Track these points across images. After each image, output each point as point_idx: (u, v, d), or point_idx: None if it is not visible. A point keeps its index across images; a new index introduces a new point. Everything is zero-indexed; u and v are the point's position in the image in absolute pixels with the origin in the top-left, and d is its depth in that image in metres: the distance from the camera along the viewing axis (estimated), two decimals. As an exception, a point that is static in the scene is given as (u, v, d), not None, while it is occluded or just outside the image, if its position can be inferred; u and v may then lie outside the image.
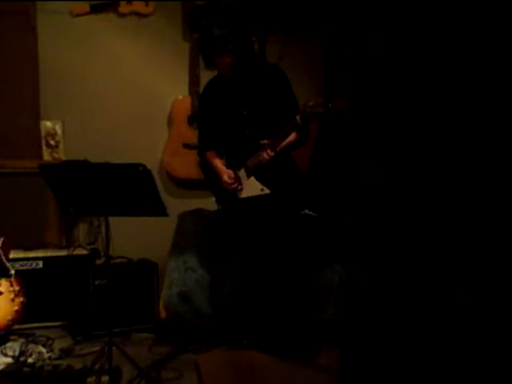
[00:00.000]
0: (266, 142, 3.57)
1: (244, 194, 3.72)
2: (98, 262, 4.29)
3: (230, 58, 3.59)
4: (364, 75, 4.49)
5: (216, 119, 3.81)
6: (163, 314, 4.19)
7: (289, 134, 3.54)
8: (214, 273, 4.14)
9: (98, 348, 3.56)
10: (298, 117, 3.44)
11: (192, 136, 4.45)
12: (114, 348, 3.40)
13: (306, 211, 3.96)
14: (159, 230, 4.36)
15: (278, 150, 3.56)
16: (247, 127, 3.67)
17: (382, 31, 4.37)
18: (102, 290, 4.01)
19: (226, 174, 3.76)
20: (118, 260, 4.27)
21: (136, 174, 3.23)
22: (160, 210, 3.34)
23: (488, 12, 3.88)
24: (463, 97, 4.02)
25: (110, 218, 3.55)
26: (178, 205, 4.42)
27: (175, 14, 4.62)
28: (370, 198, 4.25)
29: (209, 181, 3.89)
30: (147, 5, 4.54)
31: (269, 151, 3.56)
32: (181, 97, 4.53)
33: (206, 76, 4.44)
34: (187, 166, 4.48)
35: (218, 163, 3.83)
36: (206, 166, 3.90)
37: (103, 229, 3.70)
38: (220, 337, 3.87)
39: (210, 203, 4.40)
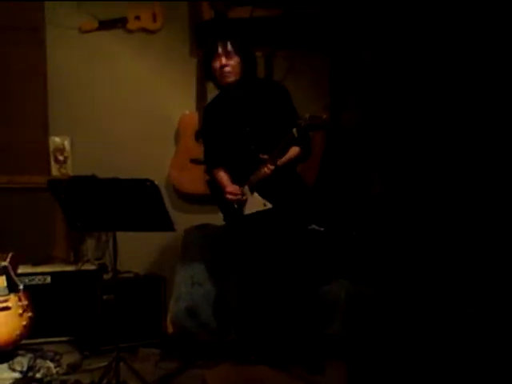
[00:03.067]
0: (265, 156, 3.59)
1: (248, 210, 3.72)
2: (106, 276, 4.30)
3: (223, 60, 3.59)
4: (371, 89, 4.50)
5: (220, 136, 3.82)
6: (170, 329, 4.19)
7: (287, 147, 3.53)
8: (220, 287, 4.14)
9: (105, 363, 3.55)
10: (294, 130, 3.45)
11: (199, 151, 4.45)
12: (121, 363, 3.41)
13: (313, 226, 3.96)
14: (166, 245, 4.38)
15: (278, 164, 3.57)
16: (251, 144, 3.67)
17: (389, 46, 4.38)
18: (109, 305, 4.01)
19: (230, 187, 3.77)
20: (126, 275, 4.28)
21: (143, 189, 3.24)
22: (167, 225, 3.35)
23: (495, 23, 3.89)
24: (470, 112, 4.02)
25: (118, 233, 3.56)
26: (184, 219, 4.42)
27: (183, 30, 4.65)
28: (375, 212, 4.25)
29: (216, 199, 3.89)
30: (155, 21, 4.58)
31: (269, 165, 3.57)
32: (188, 112, 4.55)
33: (213, 91, 4.46)
34: (194, 181, 4.49)
35: (224, 178, 3.85)
36: (213, 184, 3.91)
37: (111, 244, 3.71)
38: (227, 352, 3.87)
39: (216, 218, 4.40)
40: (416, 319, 3.77)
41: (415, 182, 4.25)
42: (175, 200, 4.60)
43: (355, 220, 4.21)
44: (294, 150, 3.65)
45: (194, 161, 4.50)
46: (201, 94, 4.50)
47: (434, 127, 4.20)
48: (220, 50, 3.60)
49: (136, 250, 4.36)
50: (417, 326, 3.74)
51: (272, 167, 3.57)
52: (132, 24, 4.58)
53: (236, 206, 3.75)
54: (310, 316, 3.75)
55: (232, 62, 3.61)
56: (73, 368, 3.75)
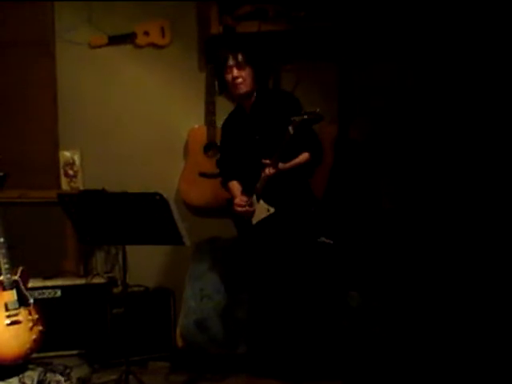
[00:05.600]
0: (267, 161, 3.60)
1: (255, 219, 3.74)
2: (116, 290, 4.31)
3: (234, 71, 3.65)
4: (379, 102, 4.51)
5: (234, 148, 3.87)
6: (180, 343, 4.19)
7: (287, 148, 3.54)
8: (230, 301, 4.14)
9: (115, 376, 3.57)
10: (289, 127, 3.48)
11: (208, 165, 4.48)
12: (130, 376, 3.42)
13: (323, 239, 3.96)
14: (176, 258, 4.39)
15: (280, 167, 3.58)
16: (260, 152, 3.69)
17: (397, 58, 4.39)
18: (119, 319, 4.02)
19: (239, 198, 3.79)
20: (135, 288, 4.28)
21: (153, 203, 3.26)
22: (177, 239, 3.36)
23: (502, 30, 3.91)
24: (482, 126, 4.02)
25: (127, 247, 3.58)
26: (194, 233, 4.43)
27: (191, 45, 4.67)
28: (385, 225, 4.24)
29: (230, 212, 3.92)
30: (164, 36, 4.61)
31: (270, 169, 3.59)
32: (197, 126, 4.57)
33: (221, 105, 4.50)
34: (203, 194, 4.50)
35: (235, 189, 3.87)
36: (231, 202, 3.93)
37: (120, 257, 3.73)
38: (237, 365, 3.87)
39: (226, 231, 4.43)
40: (425, 332, 3.77)
41: (425, 195, 4.24)
42: (185, 213, 4.60)
43: (365, 233, 4.20)
44: (303, 156, 3.67)
45: (203, 174, 4.51)
46: (209, 107, 4.52)
47: (444, 140, 4.20)
48: (231, 61, 3.67)
49: (145, 264, 4.37)
50: (426, 338, 3.73)
51: (273, 170, 3.58)
52: (141, 39, 4.62)
53: (245, 217, 3.76)
54: (325, 328, 3.73)
55: (243, 74, 3.67)
56: (83, 382, 3.76)
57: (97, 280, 4.36)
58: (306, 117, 3.47)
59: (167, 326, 4.23)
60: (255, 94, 3.77)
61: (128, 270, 3.62)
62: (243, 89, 3.70)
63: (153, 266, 4.47)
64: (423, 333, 3.76)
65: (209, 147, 4.51)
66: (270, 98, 3.79)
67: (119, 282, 4.31)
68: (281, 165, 3.60)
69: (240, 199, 3.78)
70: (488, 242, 3.88)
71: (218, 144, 4.46)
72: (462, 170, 4.09)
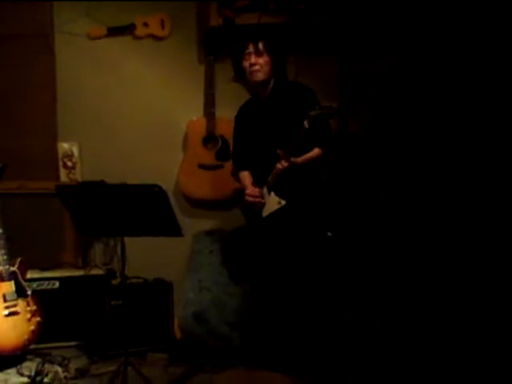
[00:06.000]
0: (280, 152, 3.59)
1: (266, 212, 3.73)
2: (114, 282, 4.31)
3: (252, 58, 3.66)
4: (379, 96, 4.50)
5: (248, 138, 3.87)
6: (178, 334, 4.20)
7: (301, 142, 3.54)
8: (228, 293, 4.15)
9: (113, 368, 3.57)
10: (305, 121, 3.47)
11: (207, 157, 4.48)
12: (129, 368, 3.42)
13: (329, 233, 3.96)
14: (174, 250, 4.38)
15: (293, 161, 3.57)
16: (274, 143, 3.68)
17: (397, 50, 4.38)
18: (117, 310, 4.03)
19: (249, 189, 3.79)
20: (134, 280, 4.29)
21: (151, 194, 3.26)
22: (175, 231, 3.37)
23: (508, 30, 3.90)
24: (481, 121, 4.01)
25: (126, 238, 3.58)
26: (193, 225, 4.44)
27: (190, 37, 4.66)
28: (384, 219, 4.25)
29: (241, 205, 3.92)
30: (163, 28, 4.60)
31: (283, 162, 3.58)
32: (196, 118, 4.56)
33: (220, 97, 4.50)
34: (202, 186, 4.50)
35: (246, 180, 3.87)
36: (240, 192, 3.93)
37: (119, 249, 3.73)
38: (235, 357, 3.87)
39: (224, 223, 4.44)
40: (424, 328, 3.77)
41: (424, 189, 4.24)
42: (184, 205, 4.61)
43: (363, 226, 4.20)
44: (315, 151, 3.67)
45: (202, 166, 4.51)
46: (208, 99, 4.51)
47: (443, 134, 4.19)
48: (250, 48, 3.69)
49: (144, 256, 4.36)
50: (424, 334, 3.74)
51: (286, 164, 3.58)
52: (140, 31, 4.61)
53: (255, 208, 3.75)
54: (327, 323, 3.73)
55: (261, 61, 3.68)
56: (81, 373, 3.77)
57: (95, 271, 4.36)
58: (321, 111, 3.47)
59: (166, 318, 4.23)
60: (272, 84, 3.76)
61: (126, 261, 3.61)
62: (260, 76, 3.70)
63: (151, 257, 4.46)
64: (422, 326, 3.77)
65: (208, 139, 4.51)
66: (287, 89, 3.77)
67: (118, 274, 4.31)
68: (293, 159, 3.60)
69: (251, 190, 3.78)
70: (487, 237, 3.88)
71: (218, 136, 4.47)
72: (461, 164, 4.08)
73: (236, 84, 4.54)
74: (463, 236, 3.96)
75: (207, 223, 4.56)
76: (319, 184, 3.86)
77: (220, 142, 4.47)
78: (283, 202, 3.65)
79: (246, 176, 3.91)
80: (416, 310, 3.86)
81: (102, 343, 4.06)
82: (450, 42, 4.16)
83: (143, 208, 3.33)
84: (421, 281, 3.96)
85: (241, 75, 3.84)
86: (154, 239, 3.59)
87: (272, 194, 3.70)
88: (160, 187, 3.25)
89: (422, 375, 3.48)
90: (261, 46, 3.69)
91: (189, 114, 4.58)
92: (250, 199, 3.77)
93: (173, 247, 4.23)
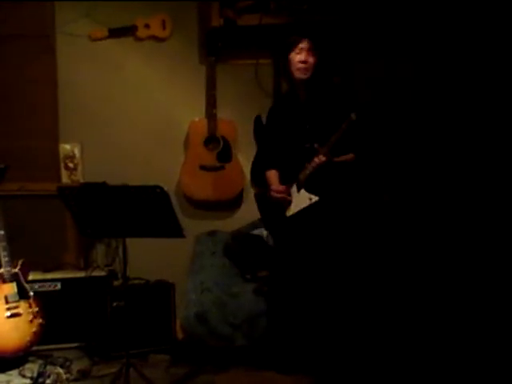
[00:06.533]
0: (318, 147, 3.56)
1: (292, 210, 3.69)
2: (116, 283, 4.31)
3: (305, 55, 3.63)
4: (379, 96, 4.50)
5: (279, 136, 3.83)
6: (180, 335, 4.20)
7: (345, 135, 3.49)
8: (230, 293, 4.14)
9: (115, 369, 3.57)
10: (353, 114, 3.44)
11: (209, 158, 4.48)
12: (131, 369, 3.42)
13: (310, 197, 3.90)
14: (176, 251, 4.38)
15: (332, 157, 3.54)
16: (308, 142, 3.65)
17: (398, 53, 4.38)
18: (119, 312, 4.02)
19: (276, 185, 3.77)
20: (136, 281, 4.28)
21: (153, 195, 3.26)
22: (177, 232, 3.36)
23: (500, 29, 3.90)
24: (481, 119, 4.01)
25: (128, 240, 3.57)
26: (194, 226, 4.44)
27: (192, 38, 4.66)
28: (386, 218, 4.24)
29: (261, 209, 3.91)
30: (164, 29, 4.60)
31: (321, 156, 3.56)
32: (197, 119, 4.56)
33: (222, 98, 4.50)
34: (204, 187, 4.50)
35: (273, 177, 3.85)
36: (259, 197, 3.92)
37: (121, 250, 3.72)
38: (237, 357, 3.87)
39: (226, 224, 4.44)
40: (425, 326, 3.77)
41: (425, 189, 4.24)
42: (185, 207, 4.61)
43: (366, 225, 4.20)
44: (350, 155, 3.65)
45: (203, 167, 4.51)
46: (210, 100, 4.51)
47: (443, 133, 4.19)
48: (305, 44, 3.66)
49: (146, 257, 4.37)
50: (425, 333, 3.74)
51: (324, 158, 3.55)
52: (141, 32, 4.61)
53: (284, 205, 3.71)
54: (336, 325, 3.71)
55: (311, 60, 3.66)
56: (83, 374, 3.76)
57: (97, 273, 4.36)
58: (366, 110, 3.46)
59: (167, 319, 4.23)
60: (314, 83, 3.72)
61: (128, 262, 3.61)
62: (307, 74, 3.67)
63: (153, 259, 4.46)
64: (422, 325, 3.77)
65: (209, 140, 4.51)
66: (329, 90, 3.75)
67: (119, 275, 4.31)
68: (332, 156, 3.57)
69: (279, 186, 3.75)
70: (488, 236, 3.88)
71: (219, 137, 4.46)
72: (461, 163, 4.09)
73: (238, 85, 4.56)
74: (465, 235, 3.96)
75: (209, 224, 4.56)
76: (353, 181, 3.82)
77: (221, 143, 4.47)
78: (315, 199, 3.59)
79: (273, 174, 3.87)
80: (417, 308, 3.86)
81: (103, 344, 4.06)
82: (451, 44, 4.16)
83: (145, 209, 3.33)
84: (423, 279, 3.95)
85: (284, 68, 3.78)
86: (155, 240, 3.59)
87: (302, 191, 3.66)
88: (162, 188, 3.25)
89: (422, 375, 3.48)
90: (313, 45, 3.67)
91: (190, 114, 4.58)
92: (277, 195, 3.72)
93: (174, 248, 4.23)
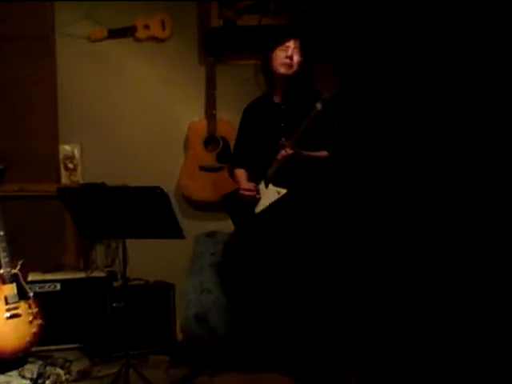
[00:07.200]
0: (285, 141, 3.56)
1: (261, 206, 3.69)
2: (116, 284, 4.30)
3: (290, 51, 3.65)
4: (379, 97, 4.50)
5: (252, 134, 3.83)
6: (180, 336, 4.21)
7: (309, 126, 3.51)
8: (230, 294, 4.14)
9: (115, 370, 3.57)
10: (318, 104, 3.45)
11: (208, 158, 4.48)
12: (131, 370, 3.42)
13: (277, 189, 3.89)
14: (176, 252, 4.38)
15: (298, 150, 3.55)
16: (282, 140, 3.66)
17: (398, 53, 4.38)
18: (119, 312, 4.02)
19: (245, 183, 3.77)
20: (136, 282, 4.29)
21: (153, 196, 3.26)
22: (177, 233, 3.36)
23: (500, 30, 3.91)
24: (480, 119, 4.01)
25: (127, 240, 3.57)
26: (194, 227, 4.43)
27: (192, 38, 4.66)
28: (385, 219, 4.24)
29: (229, 210, 3.89)
30: (164, 29, 4.60)
31: (288, 149, 3.56)
32: (197, 119, 4.56)
33: (222, 99, 4.50)
34: (204, 188, 4.50)
35: (241, 176, 3.85)
36: (228, 198, 3.90)
37: (120, 251, 3.73)
38: (236, 358, 3.87)
39: (226, 225, 4.42)
40: (425, 326, 3.77)
41: (427, 190, 4.24)
42: (185, 207, 4.61)
43: (365, 226, 4.20)
44: (323, 153, 3.65)
45: (203, 168, 4.51)
46: (210, 101, 4.51)
47: (445, 136, 4.20)
48: (292, 43, 3.68)
49: (146, 258, 4.37)
50: (425, 332, 3.74)
51: (290, 151, 3.55)
52: (141, 33, 4.61)
53: (249, 204, 3.71)
54: (332, 325, 3.71)
55: (296, 59, 3.68)
56: (82, 375, 3.76)
57: (97, 274, 4.36)
58: (333, 94, 3.46)
59: (167, 320, 4.23)
60: (293, 83, 3.73)
61: (128, 263, 3.62)
62: (290, 70, 3.68)
63: (153, 259, 4.47)
64: (422, 325, 3.77)
65: (209, 141, 4.51)
66: (307, 93, 3.74)
67: (119, 276, 4.31)
68: (298, 149, 3.57)
69: (248, 184, 3.74)
70: (489, 237, 3.88)
71: (219, 137, 4.46)
72: (462, 165, 4.09)
73: (237, 85, 4.55)
74: (465, 236, 3.96)
75: (208, 225, 4.56)
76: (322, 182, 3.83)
77: (221, 144, 4.47)
78: (283, 191, 3.59)
79: (241, 173, 3.87)
80: (417, 309, 3.86)
81: (103, 345, 4.06)
82: (451, 45, 4.16)
83: (145, 210, 3.33)
84: (423, 280, 3.95)
85: (266, 63, 3.78)
86: (155, 241, 3.59)
87: (270, 185, 3.66)
88: (161, 189, 3.25)
89: (423, 374, 3.48)
90: (300, 44, 3.69)
91: (190, 115, 4.58)
92: (245, 193, 3.72)
93: (174, 249, 4.23)
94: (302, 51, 3.70)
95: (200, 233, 4.50)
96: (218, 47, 4.46)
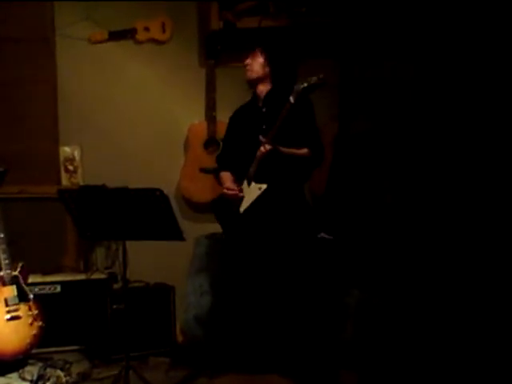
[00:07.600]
0: (263, 138, 3.57)
1: (244, 204, 3.70)
2: (116, 286, 4.31)
3: (247, 59, 3.72)
4: (380, 98, 4.51)
5: (237, 138, 3.86)
6: (180, 338, 4.21)
7: (284, 121, 3.52)
8: (229, 296, 4.14)
9: (115, 372, 3.58)
10: (290, 97, 3.47)
11: (208, 160, 4.48)
12: (131, 372, 3.42)
13: (322, 234, 3.95)
14: (176, 254, 4.38)
15: (276, 145, 3.55)
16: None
17: (398, 54, 4.39)
18: (119, 314, 4.03)
19: (229, 183, 3.79)
20: (136, 284, 4.29)
21: (153, 198, 3.26)
22: (177, 234, 3.37)
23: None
24: (482, 120, 4.02)
25: (128, 242, 3.58)
26: (194, 229, 4.44)
27: (191, 40, 4.67)
28: (388, 220, 4.25)
29: (217, 213, 3.91)
30: (164, 31, 4.60)
31: (266, 145, 3.57)
32: (197, 122, 4.57)
33: (222, 101, 4.50)
34: (204, 190, 4.51)
35: (226, 177, 3.88)
36: (216, 202, 3.92)
37: (120, 253, 3.73)
38: (236, 360, 3.87)
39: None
40: (426, 327, 3.77)
41: (429, 190, 4.24)
42: (185, 209, 4.61)
43: (367, 228, 4.20)
44: (303, 150, 3.66)
45: (203, 170, 4.51)
46: (210, 103, 4.52)
47: (445, 136, 4.20)
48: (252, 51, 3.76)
49: (146, 259, 4.37)
50: (426, 333, 3.74)
51: (268, 147, 3.56)
52: (141, 35, 4.61)
53: (233, 204, 3.72)
54: (321, 325, 3.73)
55: (249, 61, 3.74)
56: (83, 377, 3.77)
57: (97, 275, 4.36)
58: (307, 85, 3.47)
59: (167, 322, 4.23)
60: (270, 85, 3.76)
61: (128, 265, 3.62)
62: (250, 75, 3.75)
63: (153, 261, 4.47)
64: (424, 325, 3.77)
65: (209, 143, 4.52)
66: (287, 93, 3.77)
67: (119, 278, 4.31)
68: (277, 145, 3.58)
69: (231, 184, 3.77)
70: (490, 237, 3.88)
71: (219, 140, 4.47)
72: (463, 165, 4.09)
73: (237, 87, 4.55)
74: (467, 236, 3.96)
75: (208, 227, 4.55)
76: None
77: (221, 146, 4.47)
78: (264, 187, 3.61)
79: (227, 176, 3.90)
80: (419, 308, 3.86)
81: (103, 347, 4.07)
82: (451, 47, 4.17)
83: (145, 212, 3.33)
84: (425, 280, 3.96)
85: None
86: (155, 243, 3.59)
87: (252, 183, 3.68)
88: (161, 191, 3.25)
89: (422, 374, 3.48)
90: (255, 47, 3.74)
91: (190, 117, 4.59)
92: (228, 192, 3.74)
93: (174, 251, 4.23)
94: (261, 51, 3.73)
95: (200, 235, 4.49)
96: (218, 49, 4.47)
